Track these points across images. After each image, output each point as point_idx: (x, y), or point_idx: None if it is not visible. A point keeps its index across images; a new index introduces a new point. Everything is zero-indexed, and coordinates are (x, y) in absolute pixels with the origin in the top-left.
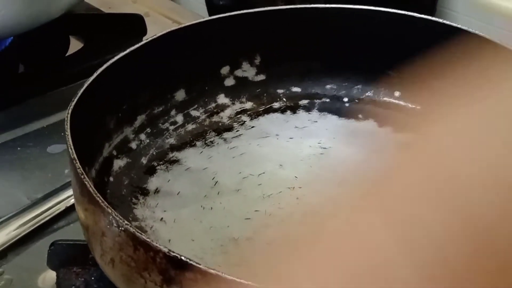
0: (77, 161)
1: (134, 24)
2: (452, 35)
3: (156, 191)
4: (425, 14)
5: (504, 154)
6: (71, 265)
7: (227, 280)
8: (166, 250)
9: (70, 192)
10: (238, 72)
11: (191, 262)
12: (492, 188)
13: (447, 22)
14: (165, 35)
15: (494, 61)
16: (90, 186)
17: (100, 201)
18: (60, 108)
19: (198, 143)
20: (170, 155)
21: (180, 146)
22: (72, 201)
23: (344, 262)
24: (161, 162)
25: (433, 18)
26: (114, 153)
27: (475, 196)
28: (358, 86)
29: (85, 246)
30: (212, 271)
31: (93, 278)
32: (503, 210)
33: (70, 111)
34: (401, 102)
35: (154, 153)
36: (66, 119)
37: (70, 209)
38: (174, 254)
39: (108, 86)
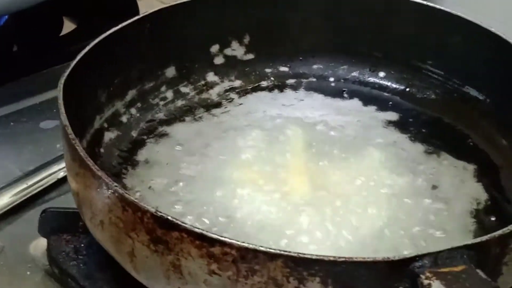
0: (69, 127)
1: (127, 5)
2: (436, 18)
3: (146, 161)
4: None
5: None
6: (62, 232)
7: (212, 239)
8: (153, 210)
9: (61, 165)
10: (228, 51)
11: (177, 221)
12: None
13: (432, 5)
14: (156, 12)
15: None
16: (81, 151)
17: (90, 164)
18: (53, 86)
19: (187, 118)
20: (160, 129)
21: (170, 121)
22: (62, 173)
23: None
24: (151, 135)
25: (419, 1)
26: (105, 125)
27: None
28: (344, 67)
29: (76, 214)
30: (197, 229)
31: (82, 244)
32: None
33: (63, 81)
34: (386, 82)
35: (144, 126)
36: (58, 88)
37: (62, 181)
38: (161, 214)
39: (100, 60)
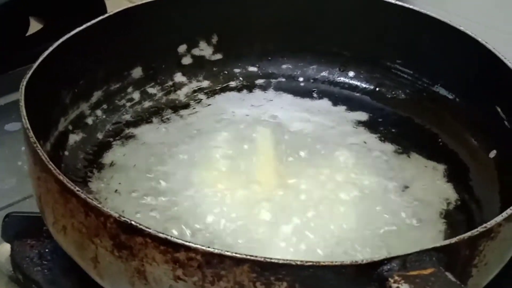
0: (30, 130)
1: (94, 5)
2: (405, 17)
3: (111, 164)
4: None
5: None
6: (26, 237)
7: (176, 244)
8: (116, 215)
9: None
10: (196, 51)
11: (141, 226)
12: None
13: (401, 3)
14: (122, 11)
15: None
16: (43, 154)
17: (52, 168)
18: (18, 87)
19: (155, 120)
20: (126, 130)
21: (137, 122)
22: None
23: None
24: (117, 138)
25: (389, 0)
26: (70, 128)
27: None
28: (313, 66)
29: (39, 218)
30: (161, 235)
31: (47, 250)
32: None
33: (25, 83)
34: (355, 82)
35: (110, 128)
36: (20, 90)
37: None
38: (124, 219)
39: (64, 60)
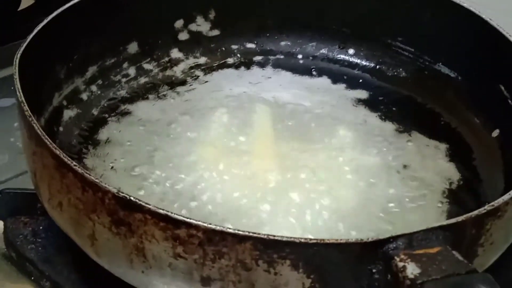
0: (25, 104)
1: None
2: None
3: (107, 141)
4: None
5: None
6: (19, 214)
7: (177, 221)
8: (115, 190)
9: None
10: (192, 27)
11: (140, 202)
12: None
13: None
14: None
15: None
16: (38, 128)
17: (48, 142)
18: (10, 63)
19: (151, 96)
20: (122, 107)
21: (132, 98)
22: None
23: None
24: (113, 114)
25: None
26: (64, 103)
27: None
28: (313, 43)
29: (33, 195)
30: (161, 211)
31: (41, 227)
32: None
33: (18, 56)
34: (355, 60)
35: (105, 104)
36: (14, 63)
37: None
38: (123, 194)
39: (57, 35)
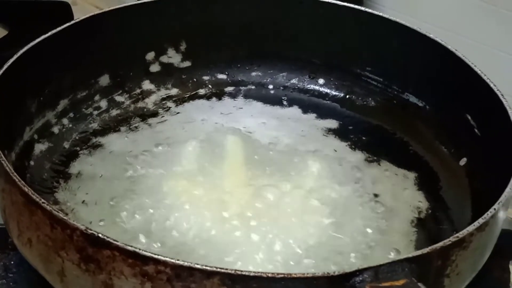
0: None
1: (61, 11)
2: (374, 24)
3: (78, 174)
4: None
5: None
6: None
7: (145, 257)
8: (83, 227)
9: None
10: (164, 58)
11: (108, 239)
12: None
13: (370, 11)
14: (88, 18)
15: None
16: (7, 166)
17: (16, 180)
18: None
19: (123, 128)
20: (94, 139)
21: (104, 131)
22: None
23: None
24: (84, 147)
25: (358, 7)
26: (35, 137)
27: None
28: (283, 74)
29: (4, 230)
30: (130, 247)
31: (12, 262)
32: None
33: None
34: (325, 89)
35: (77, 137)
36: None
37: None
38: (91, 231)
39: (29, 68)
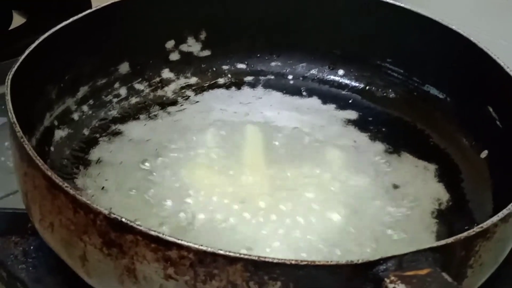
0: (17, 125)
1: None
2: (396, 16)
3: (98, 161)
4: None
5: None
6: (10, 234)
7: (168, 242)
8: (106, 212)
9: None
10: (184, 47)
11: (131, 224)
12: None
13: (391, 2)
14: (109, 5)
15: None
16: (30, 149)
17: (39, 163)
18: (1, 82)
19: (142, 116)
20: (113, 127)
21: (123, 119)
22: None
23: None
24: (104, 134)
25: None
26: (56, 123)
27: None
28: (303, 64)
29: (24, 215)
30: (153, 232)
31: (32, 247)
32: None
33: (10, 77)
34: (345, 80)
35: (97, 124)
36: (6, 84)
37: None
38: (114, 216)
39: (49, 55)
